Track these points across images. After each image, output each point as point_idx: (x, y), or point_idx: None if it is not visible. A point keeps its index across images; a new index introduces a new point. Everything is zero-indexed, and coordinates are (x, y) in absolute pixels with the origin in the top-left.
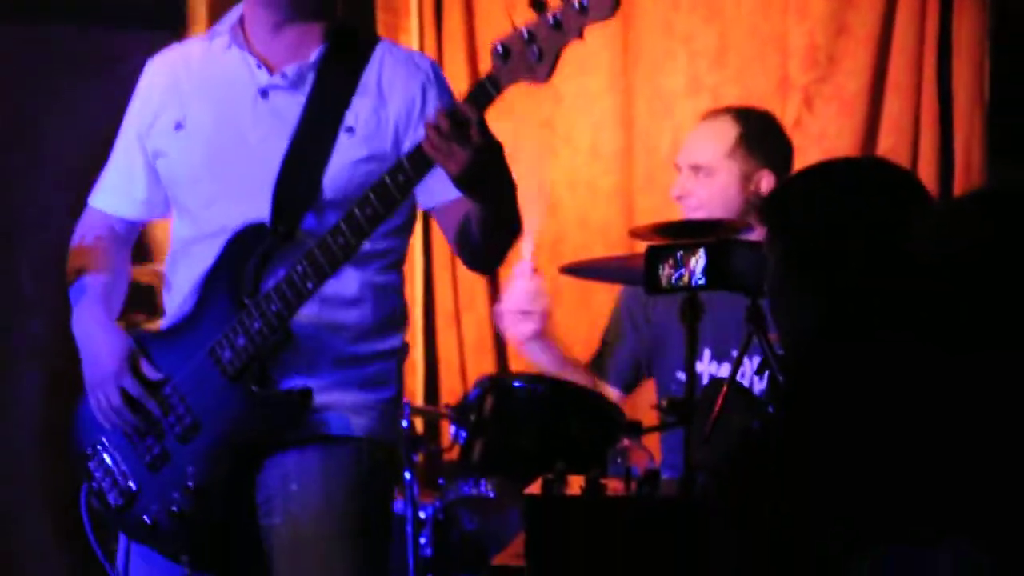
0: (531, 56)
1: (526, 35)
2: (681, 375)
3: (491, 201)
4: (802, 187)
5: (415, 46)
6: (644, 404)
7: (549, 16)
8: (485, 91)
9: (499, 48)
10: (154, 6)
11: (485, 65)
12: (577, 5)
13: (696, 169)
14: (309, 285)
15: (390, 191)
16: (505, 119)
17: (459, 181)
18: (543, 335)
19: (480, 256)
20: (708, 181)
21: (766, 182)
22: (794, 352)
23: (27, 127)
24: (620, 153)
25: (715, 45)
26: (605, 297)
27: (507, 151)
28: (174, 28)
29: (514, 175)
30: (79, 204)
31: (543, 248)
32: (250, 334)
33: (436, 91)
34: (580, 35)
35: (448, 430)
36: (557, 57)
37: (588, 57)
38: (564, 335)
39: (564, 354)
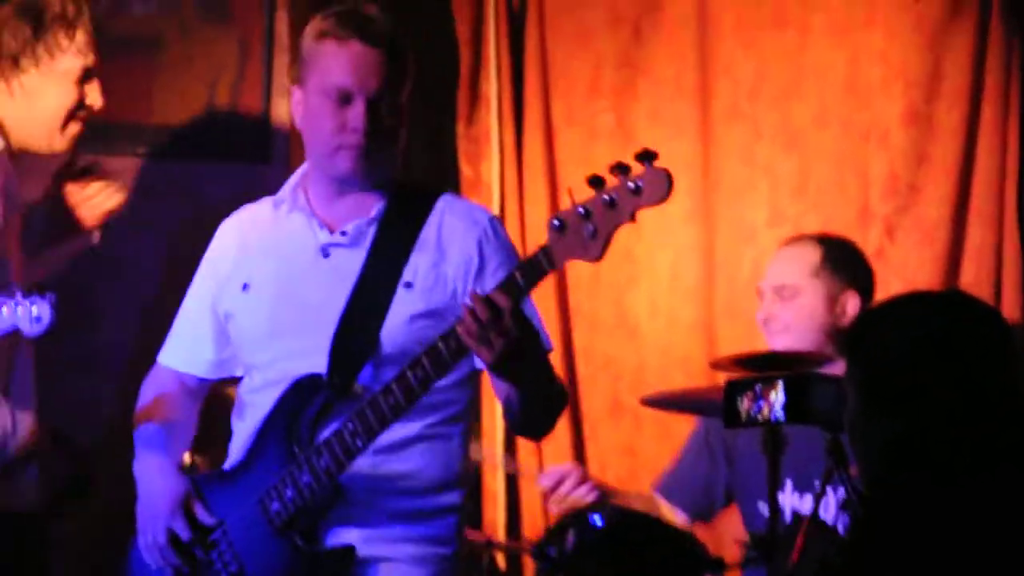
0: (586, 233)
1: (582, 212)
2: (763, 507)
3: (526, 382)
4: (882, 319)
5: (495, 175)
6: (727, 538)
7: (605, 195)
8: (539, 264)
9: (556, 222)
10: (241, 141)
11: (566, 195)
12: (632, 186)
13: (780, 291)
14: (358, 443)
15: (442, 357)
16: None
17: (493, 368)
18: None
19: (524, 429)
20: (793, 303)
21: (852, 304)
22: (866, 488)
23: (113, 252)
24: (701, 283)
25: (796, 175)
26: (686, 428)
27: (587, 281)
28: (260, 161)
29: (595, 304)
30: (159, 331)
31: (623, 378)
32: (299, 486)
33: (493, 247)
34: (632, 218)
35: (531, 566)
36: (610, 237)
37: None
38: (644, 466)
39: (622, 492)
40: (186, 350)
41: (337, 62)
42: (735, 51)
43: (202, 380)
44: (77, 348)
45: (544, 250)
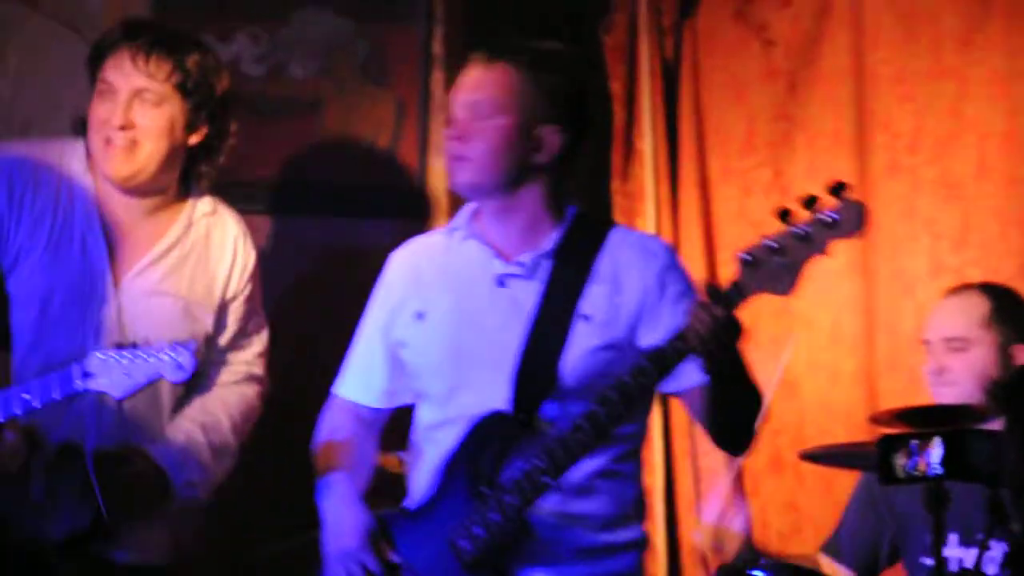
0: (776, 266)
1: (773, 245)
2: (927, 561)
3: (736, 382)
4: None
5: (651, 230)
6: None
7: (797, 228)
8: (729, 300)
9: (746, 257)
10: (398, 198)
11: (722, 250)
12: (827, 219)
13: (950, 342)
14: (547, 480)
15: (631, 390)
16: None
17: (711, 370)
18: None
19: (728, 435)
20: (964, 355)
21: (1022, 356)
22: None
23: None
24: (861, 336)
25: (957, 226)
26: (848, 482)
27: (745, 333)
28: (417, 218)
29: (753, 359)
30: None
31: (784, 433)
32: (487, 525)
33: (675, 277)
34: (825, 251)
35: None
36: (802, 270)
37: None
38: (807, 521)
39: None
40: (359, 380)
41: (459, 81)
42: (893, 104)
43: (376, 411)
44: None
45: (735, 284)
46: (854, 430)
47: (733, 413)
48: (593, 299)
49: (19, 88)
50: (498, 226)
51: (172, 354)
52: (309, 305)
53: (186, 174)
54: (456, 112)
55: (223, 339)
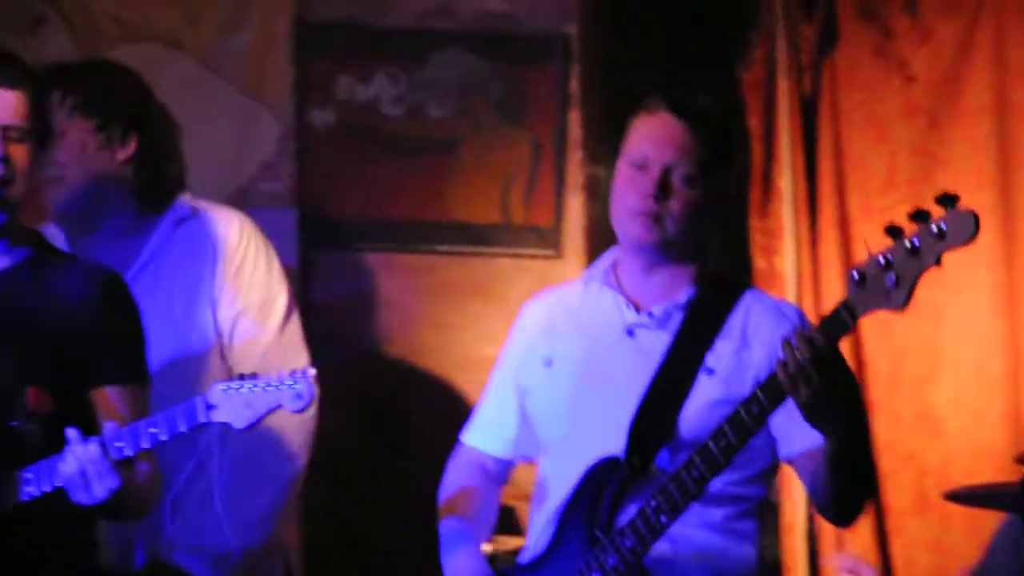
0: (888, 283)
1: (882, 262)
2: None
3: (841, 436)
4: None
5: (790, 268)
6: None
7: (906, 241)
8: (840, 320)
9: (855, 275)
10: (535, 237)
11: None
12: (935, 230)
13: None
14: (662, 519)
15: (744, 423)
16: (885, 340)
17: (806, 410)
18: None
19: (831, 503)
20: None
21: None
22: None
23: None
24: (1008, 375)
25: None
26: (996, 524)
27: (886, 374)
28: (553, 257)
29: (896, 398)
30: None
31: (929, 473)
32: (605, 570)
33: None
34: (938, 262)
35: None
36: (915, 284)
37: (970, 277)
38: (953, 563)
39: None
40: (488, 428)
41: (640, 129)
42: None
43: (502, 463)
44: None
45: (844, 304)
46: (1000, 470)
47: (842, 475)
48: (719, 354)
49: None
50: (640, 279)
51: (291, 383)
52: (445, 344)
53: (144, 188)
54: (653, 168)
55: (231, 344)
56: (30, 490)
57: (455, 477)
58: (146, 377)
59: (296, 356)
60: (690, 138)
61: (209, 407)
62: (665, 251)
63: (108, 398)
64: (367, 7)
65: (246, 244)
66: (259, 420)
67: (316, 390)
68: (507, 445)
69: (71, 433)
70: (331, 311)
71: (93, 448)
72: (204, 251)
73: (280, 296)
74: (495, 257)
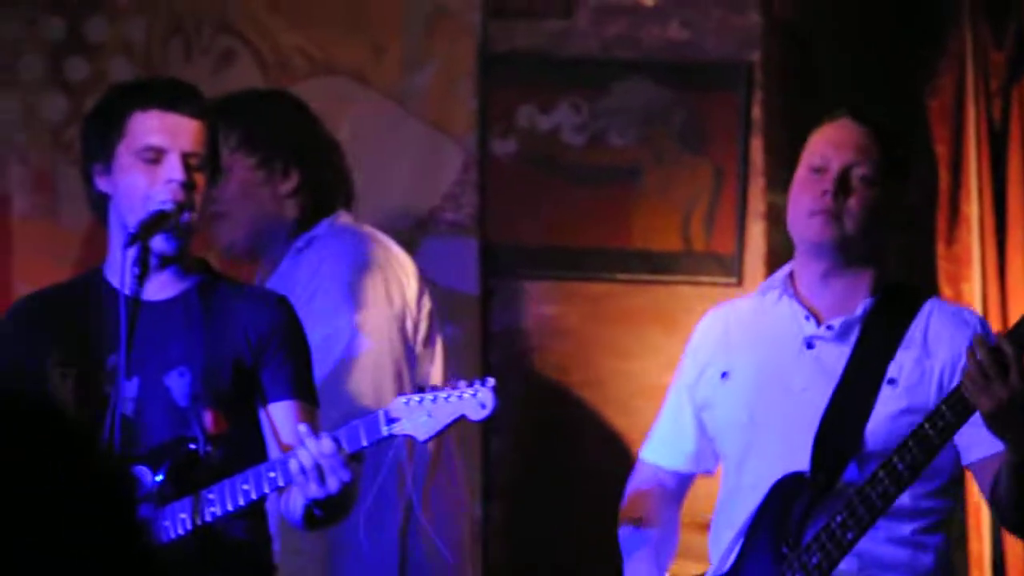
0: None
1: None
2: None
3: (1021, 449)
4: None
5: (977, 296)
6: None
7: None
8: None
9: None
10: (718, 264)
11: None
12: None
13: None
14: (849, 536)
15: (929, 437)
16: None
17: (990, 419)
18: None
19: (1012, 513)
20: None
21: None
22: None
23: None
24: None
25: None
26: None
27: None
28: (735, 284)
29: None
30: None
31: None
32: None
33: None
34: None
35: None
36: None
37: None
38: None
39: None
40: (666, 444)
41: (821, 136)
42: None
43: (680, 477)
44: None
45: None
46: None
47: (1011, 482)
48: (901, 364)
49: (348, 159)
50: (818, 289)
51: (472, 393)
52: (625, 372)
53: (305, 219)
54: (832, 168)
55: None
56: (213, 510)
57: (634, 493)
58: (316, 398)
59: (349, 400)
60: (869, 141)
61: (390, 420)
62: (843, 252)
63: (284, 414)
64: (550, 38)
65: (320, 276)
66: (442, 431)
67: (497, 400)
68: (685, 459)
69: (301, 428)
70: (512, 339)
71: (327, 443)
72: (295, 284)
73: (346, 332)
74: (675, 285)
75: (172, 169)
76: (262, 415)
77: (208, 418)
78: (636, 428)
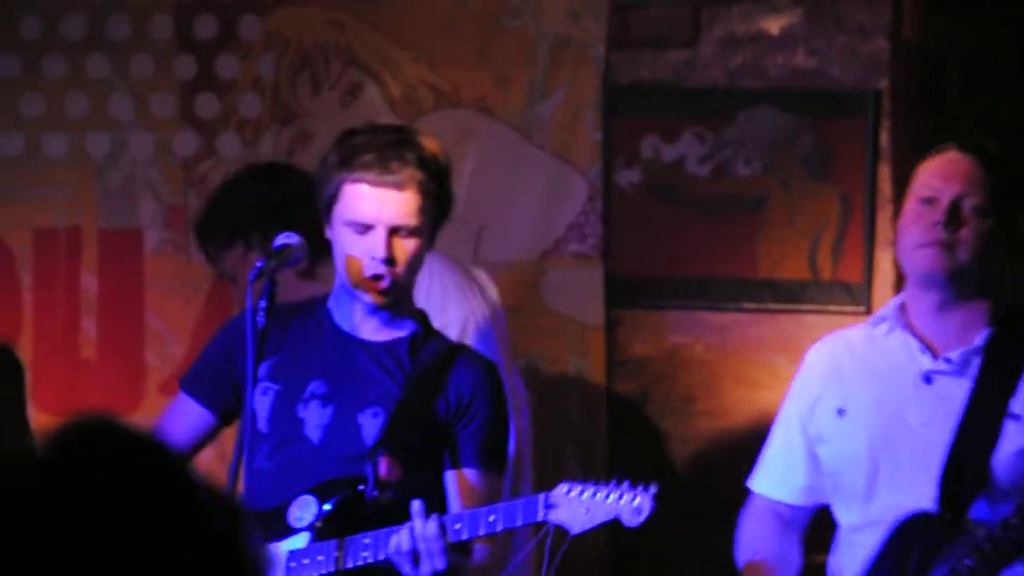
0: None
1: None
2: None
3: None
4: None
5: None
6: None
7: None
8: None
9: None
10: (845, 293)
11: None
12: None
13: None
14: None
15: None
16: None
17: None
18: None
19: None
20: None
21: None
22: None
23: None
24: None
25: None
26: None
27: None
28: (862, 313)
29: None
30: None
31: None
32: None
33: None
34: None
35: None
36: None
37: None
38: None
39: None
40: (777, 476)
41: (929, 168)
42: None
43: (795, 508)
44: None
45: None
46: None
47: None
48: (1023, 398)
49: (474, 191)
50: (932, 321)
51: (631, 496)
52: (751, 401)
53: None
54: (942, 200)
55: None
56: (366, 555)
57: (750, 528)
58: (504, 467)
59: None
60: (979, 171)
61: (549, 506)
62: (956, 284)
63: (466, 480)
64: (674, 67)
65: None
66: (592, 529)
67: (654, 507)
68: (799, 493)
69: (415, 505)
70: (637, 369)
71: (431, 526)
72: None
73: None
74: (802, 314)
75: (375, 244)
76: (446, 475)
77: (383, 464)
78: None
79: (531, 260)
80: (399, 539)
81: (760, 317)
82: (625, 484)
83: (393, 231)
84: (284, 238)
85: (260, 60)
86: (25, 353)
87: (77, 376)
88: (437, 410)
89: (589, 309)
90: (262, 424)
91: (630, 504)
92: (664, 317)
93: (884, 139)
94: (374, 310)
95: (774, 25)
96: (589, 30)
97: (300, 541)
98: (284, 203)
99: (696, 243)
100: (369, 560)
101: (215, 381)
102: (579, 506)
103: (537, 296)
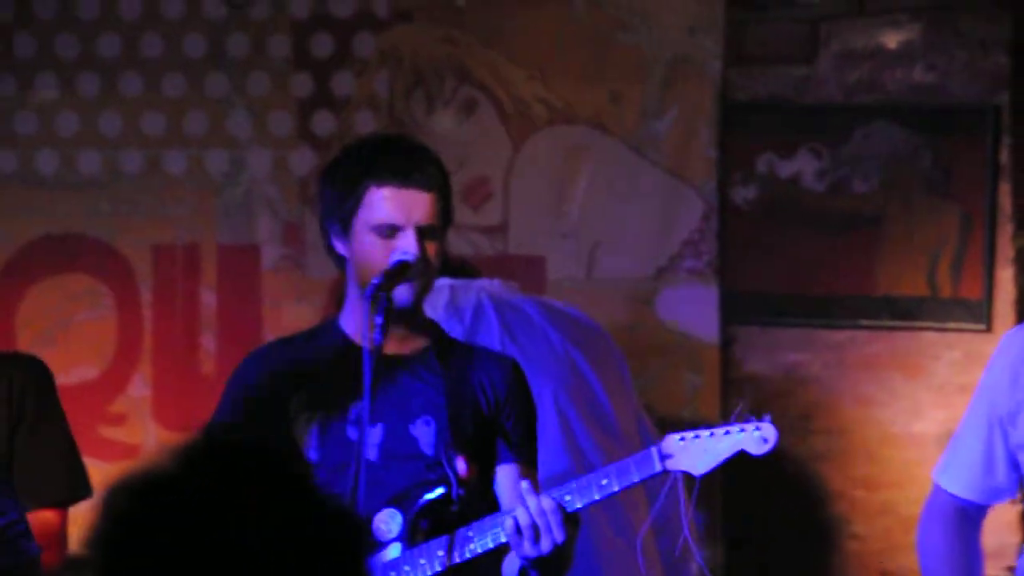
0: None
1: None
2: None
3: None
4: None
5: None
6: None
7: None
8: None
9: None
10: (965, 311)
11: None
12: None
13: None
14: None
15: None
16: None
17: None
18: None
19: None
20: None
21: None
22: None
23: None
24: None
25: None
26: None
27: None
28: (983, 331)
29: None
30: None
31: None
32: None
33: None
34: None
35: None
36: None
37: None
38: None
39: None
40: (972, 475)
41: None
42: None
43: (980, 508)
44: None
45: None
46: None
47: None
48: None
49: (587, 207)
50: None
51: (754, 427)
52: (867, 420)
53: None
54: None
55: None
56: (473, 547)
57: (939, 533)
58: (536, 459)
59: None
60: None
61: (664, 456)
62: None
63: (518, 472)
64: (792, 84)
65: None
66: (719, 465)
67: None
68: (992, 494)
69: (523, 485)
70: (753, 386)
71: (547, 501)
72: None
73: None
74: (921, 331)
75: (407, 243)
76: (499, 469)
77: (460, 463)
78: (882, 477)
79: (645, 277)
80: (516, 518)
81: (878, 335)
82: (737, 422)
83: (419, 232)
84: (400, 255)
85: (375, 77)
86: (145, 369)
87: (197, 392)
88: (481, 409)
89: (704, 326)
90: (312, 453)
91: (755, 434)
92: (780, 334)
93: (1004, 155)
94: (394, 322)
95: (892, 40)
96: (705, 46)
97: (393, 552)
98: None
99: (813, 260)
100: (477, 552)
101: (248, 418)
102: (696, 448)
103: (652, 313)
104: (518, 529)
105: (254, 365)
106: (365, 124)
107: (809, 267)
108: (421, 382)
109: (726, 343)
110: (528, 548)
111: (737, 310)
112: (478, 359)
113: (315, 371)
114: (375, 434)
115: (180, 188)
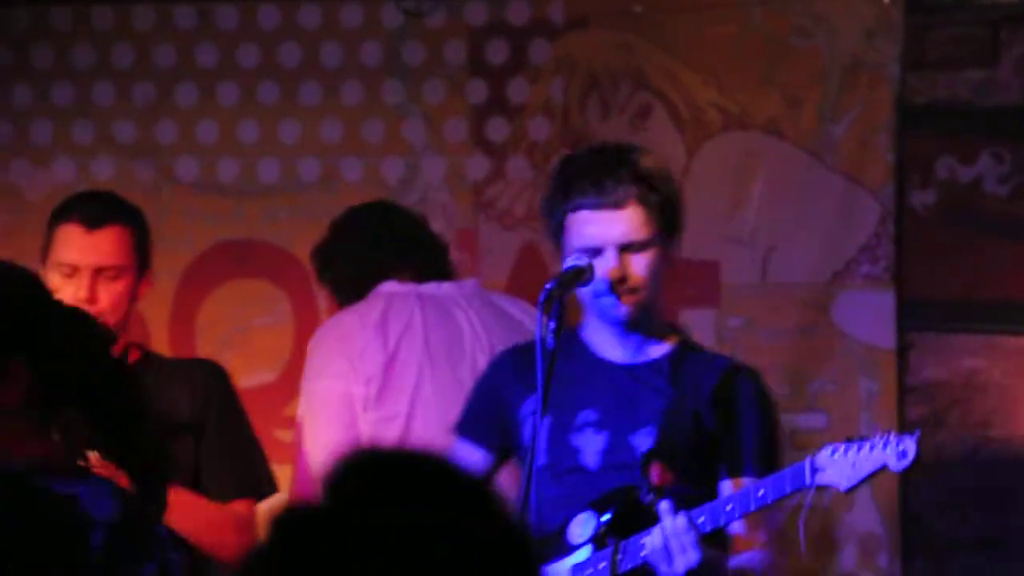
0: None
1: None
2: None
3: None
4: None
5: None
6: None
7: None
8: None
9: None
10: None
11: None
12: None
13: None
14: None
15: None
16: None
17: None
18: None
19: None
20: None
21: None
22: None
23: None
24: None
25: None
26: None
27: None
28: None
29: None
30: None
31: None
32: None
33: None
34: None
35: None
36: None
37: None
38: None
39: None
40: None
41: None
42: None
43: None
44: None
45: None
46: None
47: None
48: None
49: (763, 212)
50: None
51: (896, 441)
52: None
53: None
54: None
55: None
56: (645, 554)
57: None
58: (765, 469)
59: None
60: None
61: (815, 470)
62: None
63: (727, 492)
64: (972, 87)
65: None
66: (863, 481)
67: (919, 451)
68: None
69: (663, 505)
70: (930, 393)
71: (680, 521)
72: None
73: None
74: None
75: (609, 262)
76: (721, 485)
77: (655, 470)
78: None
79: (821, 282)
80: (652, 539)
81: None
82: (889, 433)
83: (623, 249)
84: (574, 259)
85: (550, 84)
86: None
87: None
88: (704, 422)
89: (881, 332)
90: (540, 456)
91: (895, 449)
92: (959, 341)
93: None
94: (626, 333)
95: None
96: (883, 50)
97: (582, 555)
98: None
99: (993, 265)
100: (648, 558)
101: (488, 423)
102: (845, 463)
103: (827, 318)
104: (654, 549)
105: (493, 373)
106: (540, 130)
107: (989, 272)
108: (650, 392)
109: (903, 349)
110: (665, 569)
111: (914, 316)
112: (708, 364)
113: (551, 375)
114: (598, 442)
115: (356, 195)
